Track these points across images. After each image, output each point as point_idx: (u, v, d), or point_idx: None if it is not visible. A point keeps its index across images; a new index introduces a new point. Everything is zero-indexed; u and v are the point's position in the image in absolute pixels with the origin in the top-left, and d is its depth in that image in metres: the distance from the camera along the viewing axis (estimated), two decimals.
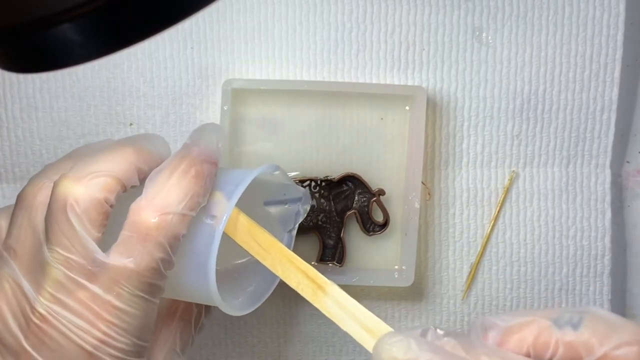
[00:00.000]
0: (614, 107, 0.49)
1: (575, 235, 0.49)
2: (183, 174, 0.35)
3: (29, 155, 0.49)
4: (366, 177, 0.48)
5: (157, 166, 0.36)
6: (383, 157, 0.49)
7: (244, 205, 0.38)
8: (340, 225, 0.48)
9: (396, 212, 0.48)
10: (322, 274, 0.48)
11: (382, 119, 0.48)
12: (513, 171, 0.49)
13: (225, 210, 0.36)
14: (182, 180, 0.35)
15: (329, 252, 0.48)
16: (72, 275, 0.33)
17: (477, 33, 0.49)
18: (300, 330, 0.50)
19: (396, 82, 0.49)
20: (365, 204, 0.48)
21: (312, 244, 0.49)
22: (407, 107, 0.48)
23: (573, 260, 0.49)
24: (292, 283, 0.37)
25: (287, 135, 0.48)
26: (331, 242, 0.48)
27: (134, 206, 0.34)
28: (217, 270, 0.36)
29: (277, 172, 0.40)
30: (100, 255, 0.33)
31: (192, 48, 0.49)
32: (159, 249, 0.34)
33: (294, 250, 0.49)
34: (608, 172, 0.49)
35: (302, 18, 0.48)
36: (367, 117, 0.48)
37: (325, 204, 0.48)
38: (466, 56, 0.49)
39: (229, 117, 0.47)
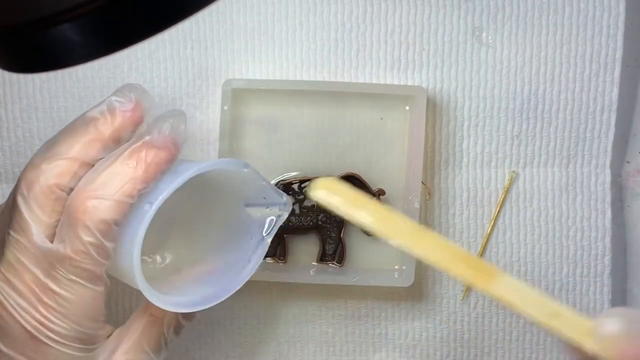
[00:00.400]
0: (614, 107, 0.49)
1: (575, 235, 0.49)
2: (122, 161, 0.35)
3: (29, 155, 0.49)
4: (366, 177, 0.48)
5: (134, 127, 0.37)
6: (383, 157, 0.49)
7: (222, 202, 0.38)
8: (340, 225, 0.48)
9: None
10: (322, 274, 0.48)
11: (382, 119, 0.48)
12: (513, 171, 0.49)
13: (160, 198, 0.36)
14: (120, 167, 0.35)
15: (329, 252, 0.48)
16: (20, 257, 0.35)
17: (477, 33, 0.49)
18: (300, 330, 0.50)
19: (396, 82, 0.49)
20: None
21: (312, 244, 0.49)
22: (407, 107, 0.48)
23: (573, 260, 0.49)
24: (455, 270, 0.32)
25: (287, 135, 0.48)
26: (331, 242, 0.48)
27: (73, 192, 0.35)
28: (166, 265, 0.36)
29: (246, 170, 0.39)
30: (39, 239, 0.35)
31: (192, 48, 0.49)
32: (87, 232, 0.34)
33: (294, 250, 0.49)
34: (608, 172, 0.49)
35: (302, 18, 0.48)
36: (367, 117, 0.48)
37: None
38: (466, 56, 0.49)
39: (229, 117, 0.47)
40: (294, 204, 0.48)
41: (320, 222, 0.48)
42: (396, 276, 0.48)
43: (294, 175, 0.48)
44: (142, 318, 0.40)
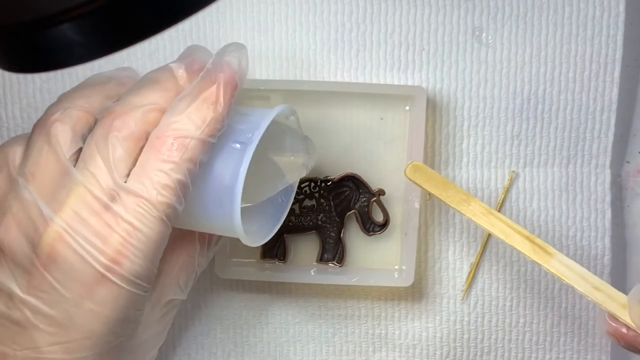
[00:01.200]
0: (614, 107, 0.49)
1: (575, 235, 0.49)
2: (202, 100, 0.36)
3: None
4: (366, 177, 0.48)
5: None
6: (383, 157, 0.48)
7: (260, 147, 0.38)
8: (340, 225, 0.48)
9: (396, 212, 0.48)
10: (322, 274, 0.48)
11: (382, 119, 0.48)
12: (513, 171, 0.49)
13: (254, 137, 0.36)
14: (201, 106, 0.35)
15: (329, 252, 0.48)
16: (99, 194, 0.34)
17: (477, 33, 0.49)
18: (300, 330, 0.50)
19: (396, 82, 0.49)
20: (365, 204, 0.48)
21: (312, 244, 0.49)
22: (407, 107, 0.48)
23: (573, 260, 0.49)
24: (520, 247, 0.41)
25: None
26: (331, 242, 0.48)
27: (153, 132, 0.35)
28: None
29: (292, 117, 0.40)
30: (116, 179, 0.34)
31: None
32: (177, 170, 0.34)
33: (294, 250, 0.49)
34: (608, 172, 0.49)
35: (302, 18, 0.48)
36: (367, 117, 0.48)
37: (325, 204, 0.48)
38: (466, 56, 0.49)
39: None
40: (293, 204, 0.48)
41: (320, 222, 0.48)
42: (396, 276, 0.48)
43: None
44: (179, 256, 0.41)
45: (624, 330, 0.39)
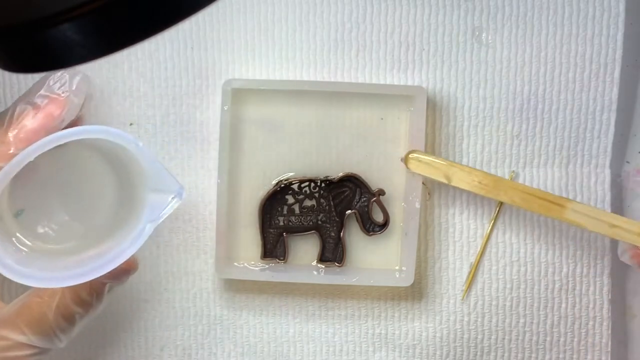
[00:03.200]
0: (614, 107, 0.49)
1: (575, 235, 0.49)
2: None
3: None
4: (366, 177, 0.48)
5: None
6: (383, 157, 0.48)
7: (121, 182, 0.37)
8: (340, 225, 0.48)
9: (396, 212, 0.48)
10: (322, 274, 0.48)
11: (382, 119, 0.48)
12: (513, 171, 0.49)
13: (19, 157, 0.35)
14: None
15: (329, 252, 0.48)
16: None
17: (477, 33, 0.49)
18: (300, 330, 0.50)
19: (396, 82, 0.49)
20: (365, 204, 0.48)
21: (312, 244, 0.49)
22: (408, 107, 0.48)
23: (573, 260, 0.49)
24: (535, 209, 0.45)
25: (287, 135, 0.48)
26: (331, 242, 0.48)
27: None
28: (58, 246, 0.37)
29: (132, 146, 0.37)
30: None
31: (192, 48, 0.48)
32: None
33: (294, 250, 0.49)
34: (608, 172, 0.49)
35: (302, 18, 0.48)
36: (367, 117, 0.48)
37: (325, 204, 0.48)
38: (466, 56, 0.49)
39: (229, 117, 0.47)
40: (293, 204, 0.48)
41: (320, 222, 0.48)
42: (396, 276, 0.48)
43: (293, 175, 0.48)
44: (27, 297, 0.39)
45: None
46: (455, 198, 0.49)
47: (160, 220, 0.38)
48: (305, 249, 0.49)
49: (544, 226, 0.49)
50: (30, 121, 0.36)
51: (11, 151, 0.36)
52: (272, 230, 0.48)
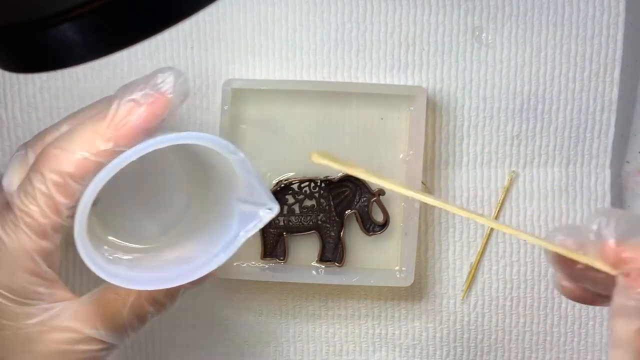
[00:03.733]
0: (614, 107, 0.49)
1: None
2: (93, 117, 0.35)
3: None
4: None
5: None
6: (383, 157, 0.49)
7: (214, 190, 0.37)
8: (340, 225, 0.48)
9: (396, 212, 0.48)
10: (322, 274, 0.48)
11: (382, 119, 0.48)
12: (513, 171, 0.49)
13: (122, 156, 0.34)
14: (90, 123, 0.35)
15: (329, 252, 0.48)
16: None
17: (477, 33, 0.49)
18: (300, 330, 0.50)
19: (396, 82, 0.49)
20: (365, 204, 0.48)
21: (312, 244, 0.49)
22: (408, 107, 0.48)
23: None
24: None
25: (287, 135, 0.48)
26: (331, 242, 0.48)
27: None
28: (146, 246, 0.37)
29: (234, 157, 0.36)
30: (5, 182, 0.36)
31: (192, 48, 0.49)
32: (39, 179, 0.35)
33: (294, 250, 0.49)
34: (608, 172, 0.49)
35: (302, 18, 0.48)
36: (367, 117, 0.48)
37: (325, 204, 0.48)
38: (466, 56, 0.49)
39: (229, 117, 0.47)
40: (293, 204, 0.48)
41: (320, 222, 0.48)
42: (397, 276, 0.48)
43: (293, 175, 0.48)
44: (102, 292, 0.38)
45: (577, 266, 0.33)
46: (455, 198, 0.49)
47: (253, 232, 0.38)
48: (305, 249, 0.49)
49: (544, 226, 0.49)
50: (134, 119, 0.35)
51: (110, 147, 0.34)
52: (272, 230, 0.48)
